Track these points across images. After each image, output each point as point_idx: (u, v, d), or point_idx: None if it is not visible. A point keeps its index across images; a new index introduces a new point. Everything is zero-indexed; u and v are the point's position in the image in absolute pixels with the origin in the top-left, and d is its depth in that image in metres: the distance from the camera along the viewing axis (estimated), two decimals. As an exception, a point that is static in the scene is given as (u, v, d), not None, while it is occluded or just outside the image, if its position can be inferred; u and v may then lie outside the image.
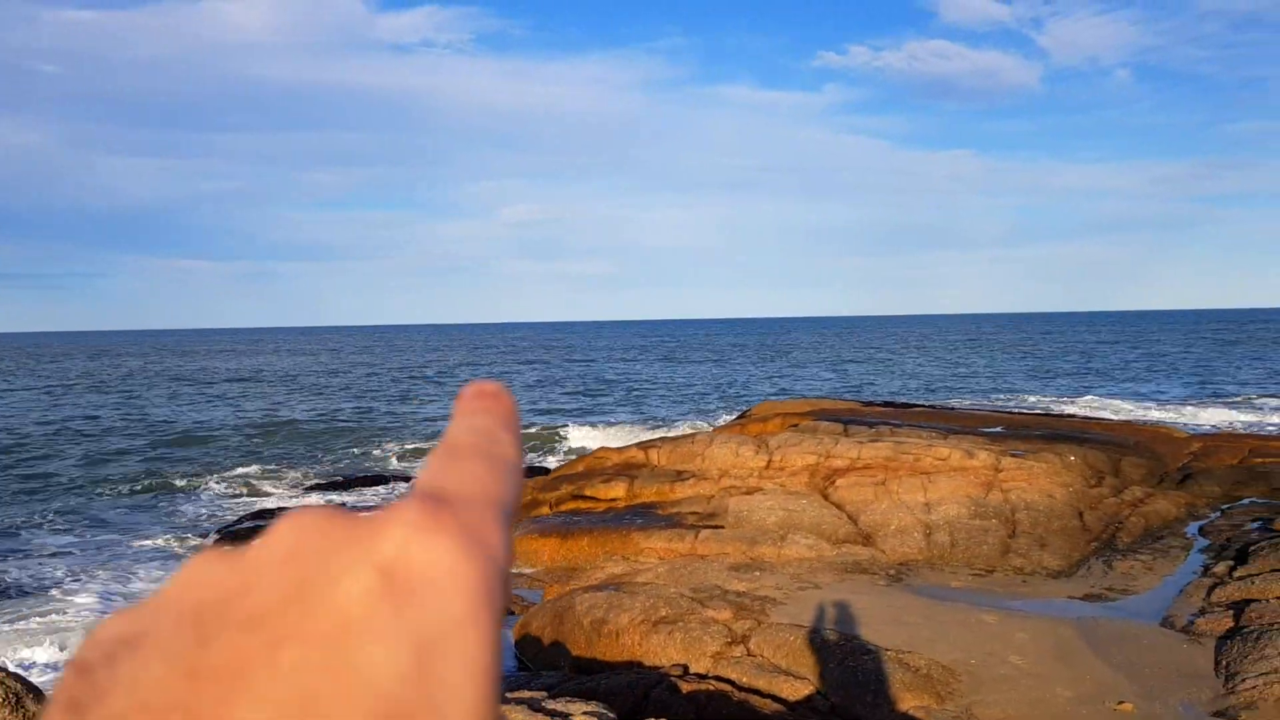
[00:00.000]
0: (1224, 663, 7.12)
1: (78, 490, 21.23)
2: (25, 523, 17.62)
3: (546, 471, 16.60)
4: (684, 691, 6.89)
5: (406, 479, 21.71)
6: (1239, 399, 32.98)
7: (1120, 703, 6.56)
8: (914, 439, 12.75)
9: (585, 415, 33.78)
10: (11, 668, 5.59)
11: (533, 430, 27.84)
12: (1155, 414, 27.63)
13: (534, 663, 8.33)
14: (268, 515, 17.71)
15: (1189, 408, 30.54)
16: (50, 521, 17.83)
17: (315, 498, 19.85)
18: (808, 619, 7.93)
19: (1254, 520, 10.99)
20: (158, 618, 0.35)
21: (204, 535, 16.38)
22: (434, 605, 0.34)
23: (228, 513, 18.48)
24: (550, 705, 5.58)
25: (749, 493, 11.63)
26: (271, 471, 22.95)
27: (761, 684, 6.99)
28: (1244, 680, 6.71)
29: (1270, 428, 24.25)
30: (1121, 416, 25.10)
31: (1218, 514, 11.72)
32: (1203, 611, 8.22)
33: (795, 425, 14.69)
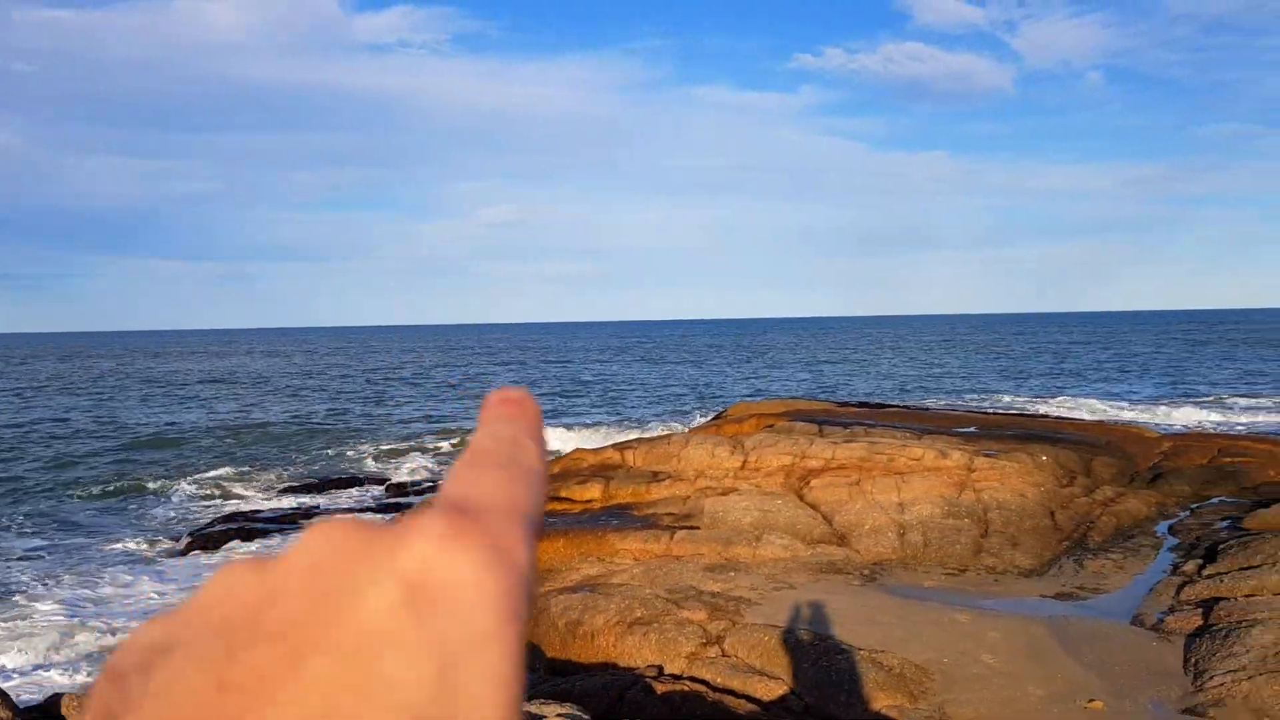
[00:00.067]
0: (1193, 660, 7.19)
1: (47, 493, 20.98)
2: (-7, 526, 17.40)
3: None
4: (659, 692, 6.89)
5: (380, 481, 21.59)
6: (1210, 399, 33.36)
7: (1091, 701, 6.61)
8: (888, 439, 12.80)
9: (561, 416, 33.75)
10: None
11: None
12: (1127, 414, 27.91)
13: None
14: (240, 518, 17.55)
15: (1161, 407, 30.89)
16: (19, 525, 17.60)
17: (290, 500, 19.70)
18: (782, 619, 7.94)
19: (1223, 519, 11.11)
20: (189, 627, 0.36)
21: (175, 538, 16.22)
22: (457, 618, 0.34)
23: (200, 515, 18.31)
24: (524, 707, 5.56)
25: (724, 493, 11.63)
26: (244, 474, 22.76)
27: (736, 684, 7.00)
28: (1212, 678, 6.78)
29: (1239, 427, 24.54)
30: (1095, 416, 25.34)
31: (1187, 513, 11.84)
32: (1172, 610, 8.30)
33: (770, 426, 14.72)
